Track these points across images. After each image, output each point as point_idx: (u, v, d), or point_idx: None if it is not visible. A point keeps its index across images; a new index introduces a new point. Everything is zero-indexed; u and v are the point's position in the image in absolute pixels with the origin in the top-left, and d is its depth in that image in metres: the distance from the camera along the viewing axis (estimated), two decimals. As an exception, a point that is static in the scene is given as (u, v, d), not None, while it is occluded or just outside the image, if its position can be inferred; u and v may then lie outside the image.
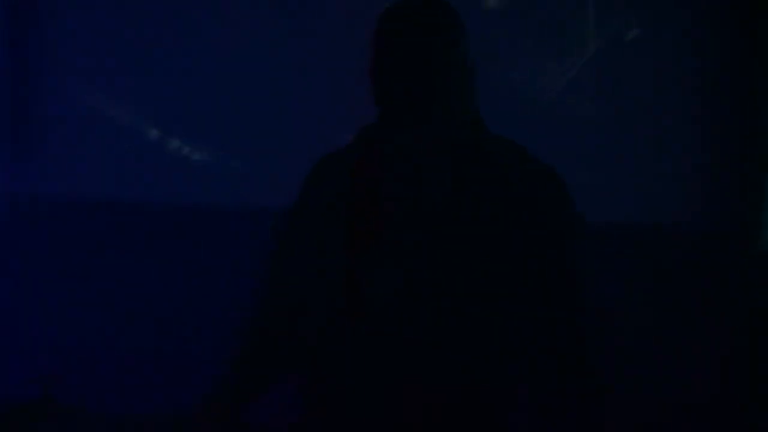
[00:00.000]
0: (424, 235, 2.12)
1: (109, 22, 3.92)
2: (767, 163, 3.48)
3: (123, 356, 3.79)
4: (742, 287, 3.41)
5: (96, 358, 3.79)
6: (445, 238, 2.12)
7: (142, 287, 3.82)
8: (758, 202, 3.44)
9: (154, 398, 3.57)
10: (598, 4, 3.69)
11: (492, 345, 2.15)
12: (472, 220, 2.12)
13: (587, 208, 2.26)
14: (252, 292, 2.38)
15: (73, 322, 3.83)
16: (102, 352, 3.81)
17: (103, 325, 3.83)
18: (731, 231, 3.49)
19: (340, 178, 2.22)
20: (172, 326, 3.76)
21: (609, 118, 3.68)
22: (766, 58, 3.51)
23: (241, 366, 2.36)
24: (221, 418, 2.29)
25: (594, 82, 3.69)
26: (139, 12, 3.89)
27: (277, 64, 3.86)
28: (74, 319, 3.84)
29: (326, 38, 3.79)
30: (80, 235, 3.87)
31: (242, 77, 3.84)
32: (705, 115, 3.61)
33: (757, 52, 3.51)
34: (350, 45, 3.56)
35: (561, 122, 3.71)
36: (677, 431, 3.45)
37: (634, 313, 3.39)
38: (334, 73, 3.73)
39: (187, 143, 3.92)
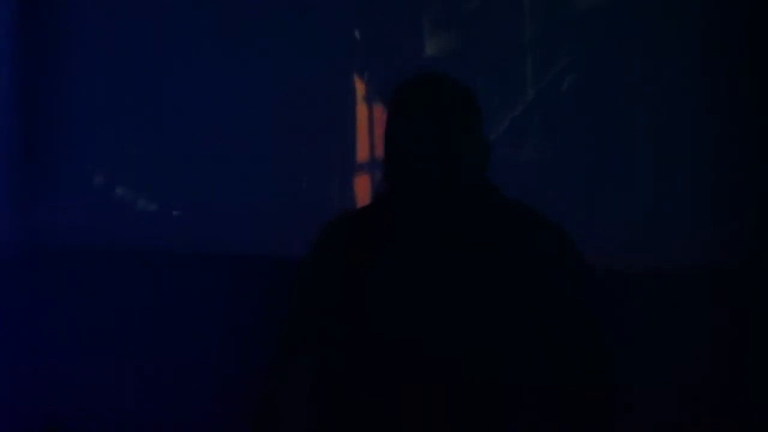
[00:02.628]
0: (437, 305, 2.19)
1: (104, 82, 4.02)
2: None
3: (124, 401, 3.80)
4: (746, 330, 3.36)
5: (97, 401, 3.80)
6: (456, 305, 2.19)
7: (144, 336, 3.84)
8: (760, 244, 3.41)
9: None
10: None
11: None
12: (484, 288, 2.20)
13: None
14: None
15: (74, 367, 3.85)
16: (104, 396, 3.82)
17: (105, 371, 3.84)
18: (731, 273, 3.46)
19: (353, 238, 2.28)
20: (174, 373, 3.73)
21: (606, 167, 3.71)
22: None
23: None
24: None
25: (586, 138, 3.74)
26: (131, 75, 3.98)
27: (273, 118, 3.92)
28: (76, 364, 3.85)
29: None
30: (80, 283, 3.90)
31: (238, 135, 3.93)
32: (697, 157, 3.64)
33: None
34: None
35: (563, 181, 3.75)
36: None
37: (638, 362, 3.33)
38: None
39: (188, 194, 3.99)
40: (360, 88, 3.93)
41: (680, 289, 3.48)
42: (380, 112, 3.90)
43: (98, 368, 3.83)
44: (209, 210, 3.96)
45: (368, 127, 3.92)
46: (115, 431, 3.72)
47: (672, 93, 3.69)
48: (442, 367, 2.17)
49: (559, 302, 2.21)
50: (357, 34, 3.92)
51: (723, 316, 3.37)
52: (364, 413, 2.20)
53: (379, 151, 3.91)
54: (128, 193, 3.99)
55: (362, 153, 3.95)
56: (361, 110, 3.93)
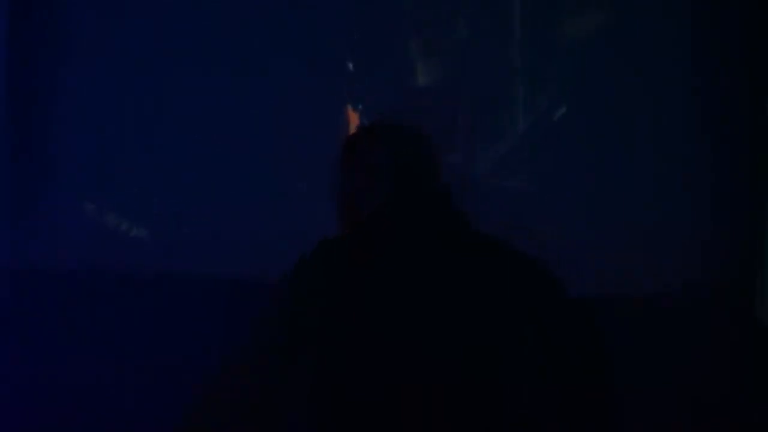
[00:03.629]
0: (415, 330, 2.22)
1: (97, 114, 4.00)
2: (762, 229, 3.48)
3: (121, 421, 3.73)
4: (740, 361, 3.37)
5: (93, 421, 3.74)
6: (437, 330, 2.21)
7: (139, 360, 3.78)
8: (752, 272, 3.42)
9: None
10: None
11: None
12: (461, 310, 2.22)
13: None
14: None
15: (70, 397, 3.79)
16: (100, 416, 3.76)
17: (100, 399, 3.79)
18: (723, 303, 3.47)
19: (355, 240, 2.34)
20: (170, 398, 3.69)
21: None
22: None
23: None
24: None
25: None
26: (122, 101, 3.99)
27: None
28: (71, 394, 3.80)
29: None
30: (74, 307, 3.84)
31: (230, 167, 3.94)
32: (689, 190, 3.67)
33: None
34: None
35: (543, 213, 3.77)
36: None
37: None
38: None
39: (184, 215, 3.96)
40: (353, 119, 3.97)
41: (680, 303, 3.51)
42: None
43: (94, 388, 3.81)
44: (202, 232, 3.98)
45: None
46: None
47: (664, 121, 3.74)
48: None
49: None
50: (350, 66, 3.97)
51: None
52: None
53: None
54: (122, 211, 4.00)
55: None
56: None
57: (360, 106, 3.97)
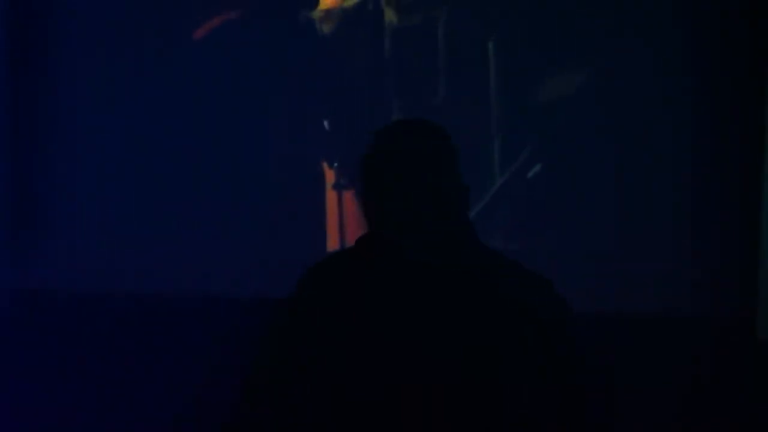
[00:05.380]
0: (416, 359, 2.17)
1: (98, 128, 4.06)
2: (759, 249, 3.49)
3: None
4: (740, 378, 3.37)
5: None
6: (438, 359, 2.17)
7: (145, 383, 3.77)
8: (752, 290, 3.44)
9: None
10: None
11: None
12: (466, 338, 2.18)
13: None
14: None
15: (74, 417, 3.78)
16: None
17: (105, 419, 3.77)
18: (725, 321, 3.48)
19: (337, 283, 2.28)
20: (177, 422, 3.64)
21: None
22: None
23: None
24: None
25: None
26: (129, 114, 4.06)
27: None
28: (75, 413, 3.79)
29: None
30: (80, 328, 3.85)
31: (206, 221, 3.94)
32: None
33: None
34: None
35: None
36: None
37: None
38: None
39: (189, 235, 4.01)
40: (329, 176, 4.00)
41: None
42: (349, 201, 3.95)
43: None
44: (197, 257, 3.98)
45: (338, 215, 3.96)
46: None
47: (641, 177, 3.80)
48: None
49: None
50: (326, 124, 4.01)
51: (723, 334, 3.40)
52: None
53: (350, 239, 4.00)
54: (122, 235, 3.99)
55: (333, 241, 3.98)
56: (331, 199, 3.98)
57: (335, 164, 4.00)
